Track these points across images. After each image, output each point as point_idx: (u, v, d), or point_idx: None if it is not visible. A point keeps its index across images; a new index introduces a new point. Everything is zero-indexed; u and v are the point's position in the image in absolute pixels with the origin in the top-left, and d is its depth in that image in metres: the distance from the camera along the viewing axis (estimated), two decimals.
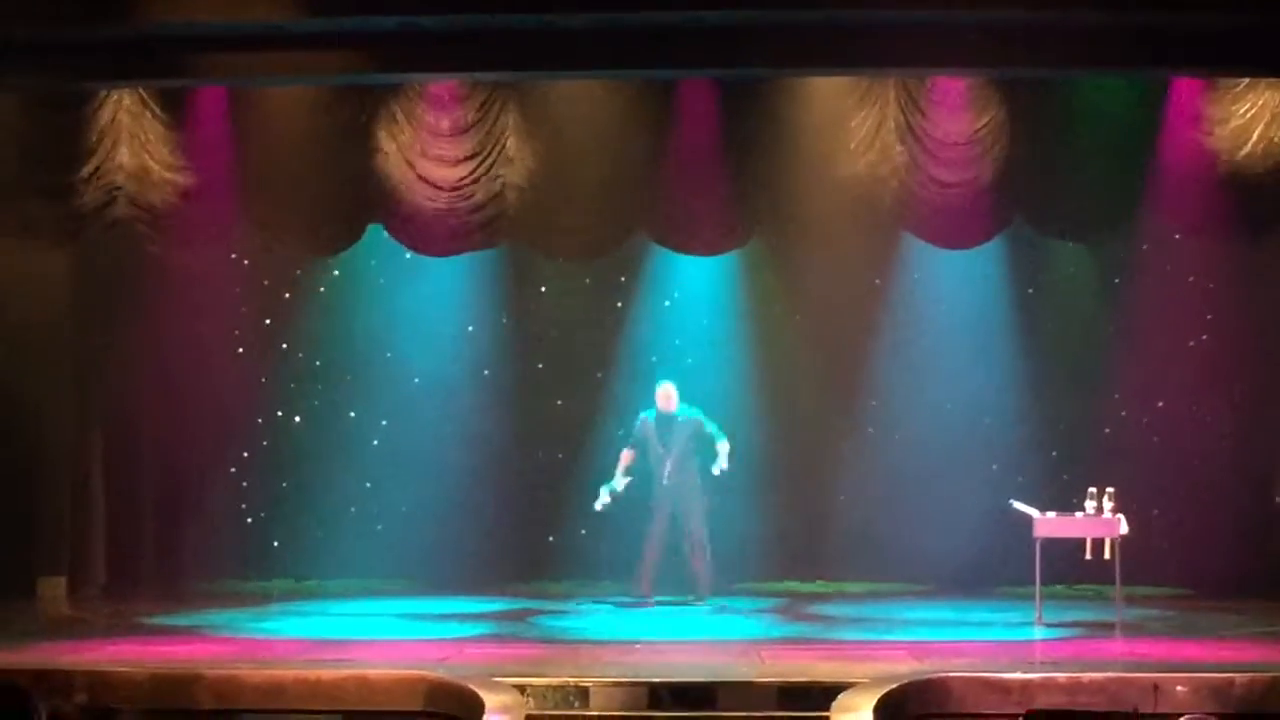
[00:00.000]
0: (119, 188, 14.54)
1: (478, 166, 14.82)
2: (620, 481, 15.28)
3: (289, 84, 14.79)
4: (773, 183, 16.05)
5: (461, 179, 14.80)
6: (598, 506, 15.26)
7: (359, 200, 14.92)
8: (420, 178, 14.79)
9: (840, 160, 15.80)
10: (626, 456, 15.37)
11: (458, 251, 15.35)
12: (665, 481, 15.24)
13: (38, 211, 14.52)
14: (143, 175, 14.59)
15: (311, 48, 13.22)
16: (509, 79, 14.61)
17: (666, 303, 16.80)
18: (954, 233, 15.29)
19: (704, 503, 15.39)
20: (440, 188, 14.80)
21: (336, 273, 16.65)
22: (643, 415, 15.38)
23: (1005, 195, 14.92)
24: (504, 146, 14.82)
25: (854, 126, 14.96)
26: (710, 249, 15.57)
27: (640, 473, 15.35)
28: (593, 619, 14.73)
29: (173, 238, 15.05)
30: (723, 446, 15.16)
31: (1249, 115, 14.50)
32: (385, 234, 15.39)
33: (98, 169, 14.42)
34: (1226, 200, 15.55)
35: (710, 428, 15.25)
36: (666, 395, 15.36)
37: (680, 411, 15.33)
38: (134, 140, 14.54)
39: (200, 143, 14.86)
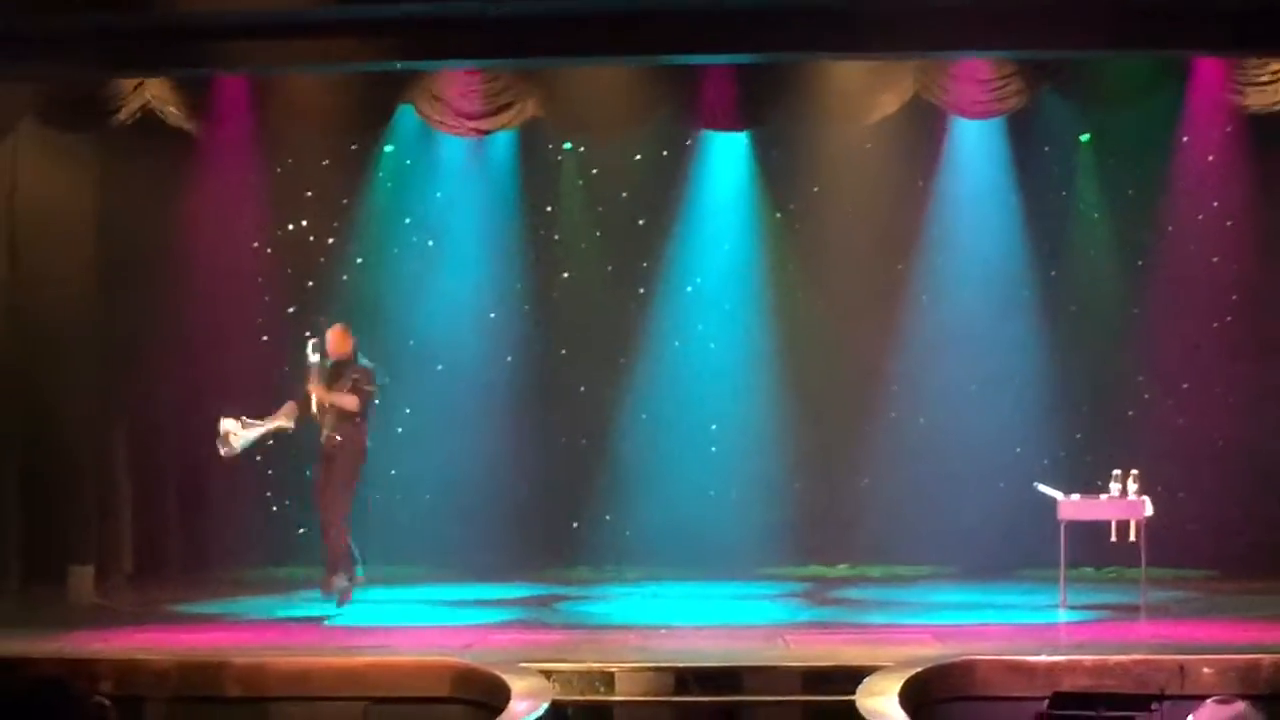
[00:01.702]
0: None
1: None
2: (252, 432, 14.03)
3: (313, 71, 14.83)
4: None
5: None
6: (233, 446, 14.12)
7: (387, 81, 14.97)
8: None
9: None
10: (290, 411, 14.09)
11: (488, 130, 15.37)
12: (322, 441, 13.94)
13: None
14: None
15: (335, 35, 13.22)
16: (533, 65, 14.63)
17: (689, 288, 16.79)
18: None
19: (357, 463, 13.98)
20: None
21: (359, 260, 16.68)
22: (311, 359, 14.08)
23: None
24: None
25: (875, 105, 14.98)
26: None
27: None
28: (618, 604, 14.75)
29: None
30: (347, 399, 13.79)
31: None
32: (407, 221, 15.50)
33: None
34: (1252, 179, 15.61)
35: (365, 383, 13.94)
36: (335, 340, 14.08)
37: (358, 359, 14.06)
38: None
39: None
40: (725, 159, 16.64)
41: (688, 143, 16.58)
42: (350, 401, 13.82)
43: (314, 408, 13.93)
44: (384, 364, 16.39)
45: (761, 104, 15.09)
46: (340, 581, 13.95)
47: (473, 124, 15.20)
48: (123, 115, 14.60)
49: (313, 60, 13.87)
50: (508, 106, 15.06)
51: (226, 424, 14.02)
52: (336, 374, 13.99)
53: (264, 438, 14.23)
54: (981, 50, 14.20)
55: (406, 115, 15.53)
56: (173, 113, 14.79)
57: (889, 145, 16.43)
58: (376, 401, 14.17)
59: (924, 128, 16.16)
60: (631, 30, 12.93)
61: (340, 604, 13.90)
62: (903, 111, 15.23)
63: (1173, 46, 13.77)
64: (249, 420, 14.09)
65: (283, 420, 14.04)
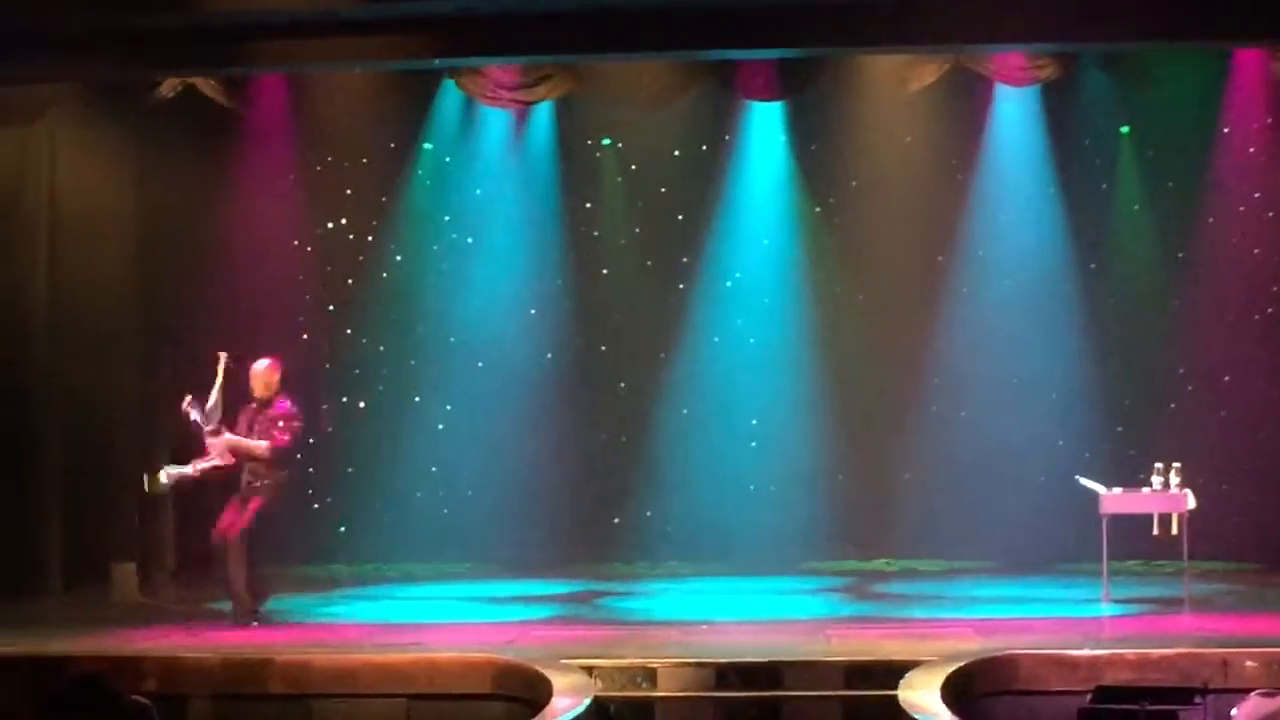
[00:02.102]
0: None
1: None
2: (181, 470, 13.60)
3: (347, 70, 14.90)
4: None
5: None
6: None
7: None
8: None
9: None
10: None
11: (528, 101, 15.49)
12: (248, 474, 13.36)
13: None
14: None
15: (370, 33, 13.23)
16: (568, 62, 14.66)
17: (728, 283, 16.80)
18: None
19: (270, 499, 13.48)
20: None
21: (399, 258, 16.73)
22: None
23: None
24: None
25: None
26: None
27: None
28: (659, 600, 14.75)
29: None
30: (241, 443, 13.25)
31: None
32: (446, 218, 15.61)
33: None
34: None
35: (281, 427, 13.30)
36: (261, 378, 13.45)
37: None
38: None
39: None
40: (764, 154, 16.64)
41: (726, 138, 16.60)
42: (253, 447, 13.26)
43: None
44: (424, 362, 16.50)
45: (799, 74, 15.06)
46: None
47: (511, 95, 15.23)
48: (164, 90, 14.64)
49: (349, 59, 13.88)
50: (547, 78, 15.07)
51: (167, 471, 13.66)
52: (259, 414, 13.41)
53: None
54: (1018, 43, 14.16)
55: (448, 100, 15.75)
56: (213, 87, 14.80)
57: (928, 139, 16.45)
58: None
59: (964, 120, 16.18)
60: (666, 25, 12.91)
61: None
62: (942, 96, 15.27)
63: (1214, 38, 13.71)
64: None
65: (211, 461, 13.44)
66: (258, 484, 13.38)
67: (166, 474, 13.62)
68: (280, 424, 13.28)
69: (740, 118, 16.53)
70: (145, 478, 13.85)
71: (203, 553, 16.20)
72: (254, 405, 13.42)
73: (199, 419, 13.31)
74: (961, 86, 15.45)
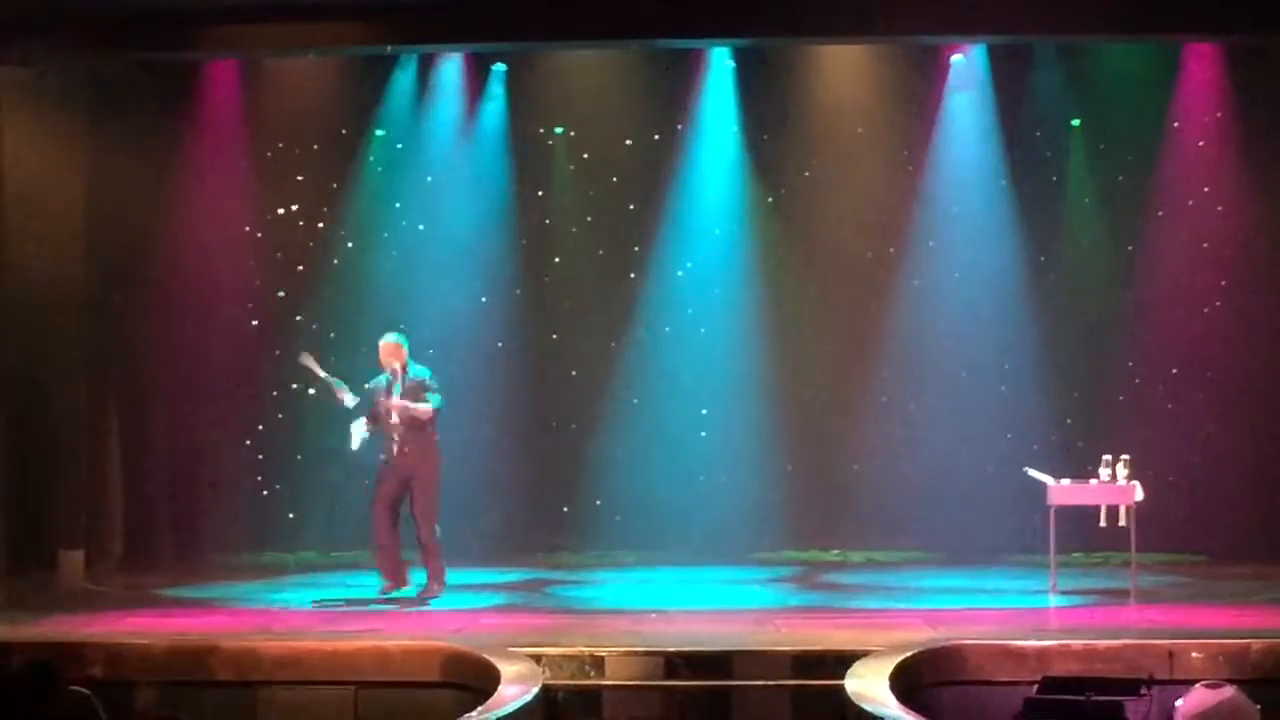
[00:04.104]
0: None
1: None
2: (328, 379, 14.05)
3: (299, 55, 14.85)
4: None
5: None
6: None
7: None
8: None
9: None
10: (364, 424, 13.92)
11: None
12: (396, 440, 13.77)
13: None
14: None
15: (322, 18, 13.21)
16: (524, 50, 14.64)
17: (679, 273, 16.78)
18: None
19: (437, 473, 13.86)
20: None
21: (350, 245, 16.67)
22: (371, 382, 14.03)
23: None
24: None
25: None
26: None
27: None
28: (608, 589, 14.75)
29: None
30: (422, 409, 13.68)
31: None
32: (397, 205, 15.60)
33: None
34: (1242, 166, 15.65)
35: (430, 383, 13.82)
36: (389, 351, 13.93)
37: (412, 371, 13.91)
38: None
39: None
40: (716, 144, 16.64)
41: (679, 127, 16.59)
42: (426, 409, 13.70)
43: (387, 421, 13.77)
44: (374, 349, 16.44)
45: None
46: (436, 585, 13.85)
47: None
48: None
49: (301, 44, 13.87)
50: None
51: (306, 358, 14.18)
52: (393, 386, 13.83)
53: (323, 383, 14.15)
54: (974, 35, 14.25)
55: (400, 87, 15.99)
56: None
57: (880, 130, 16.48)
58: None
59: (916, 112, 16.24)
60: (620, 13, 12.92)
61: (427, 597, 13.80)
62: (895, 88, 15.33)
63: (1165, 31, 13.78)
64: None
65: (345, 394, 13.96)
66: (409, 450, 13.68)
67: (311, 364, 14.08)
68: (427, 387, 13.70)
69: (693, 108, 16.54)
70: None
71: (152, 538, 16.24)
72: (383, 381, 13.80)
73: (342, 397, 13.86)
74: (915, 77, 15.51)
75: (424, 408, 13.67)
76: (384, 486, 13.82)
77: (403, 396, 13.69)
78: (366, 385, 13.95)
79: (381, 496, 13.82)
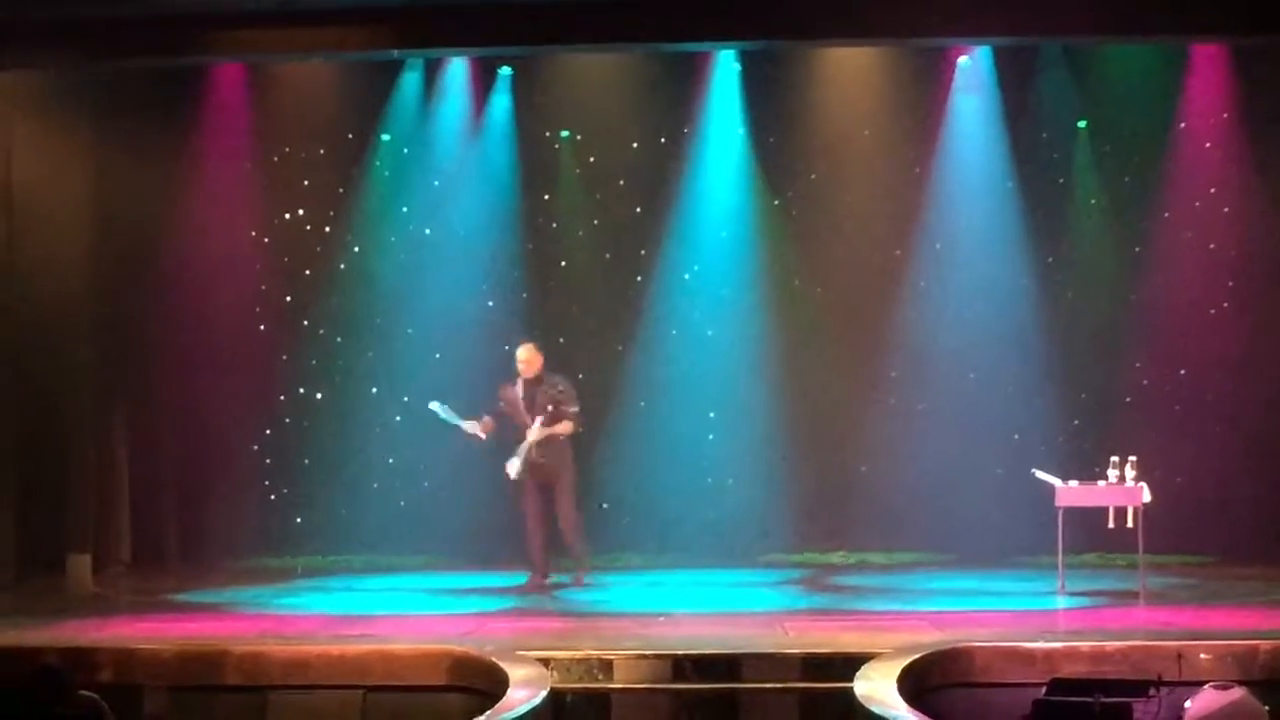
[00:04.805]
0: None
1: None
2: (454, 418, 14.65)
3: (306, 60, 14.86)
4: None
5: None
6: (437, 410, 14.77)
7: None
8: None
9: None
10: (487, 426, 14.63)
11: None
12: (534, 454, 14.49)
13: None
14: None
15: (328, 23, 13.21)
16: (531, 53, 14.65)
17: (686, 276, 16.81)
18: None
19: (574, 474, 14.66)
20: None
21: (356, 249, 16.69)
22: (504, 385, 14.74)
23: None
24: None
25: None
26: None
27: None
28: (616, 592, 14.75)
29: None
30: (563, 427, 14.45)
31: None
32: (404, 209, 15.63)
33: None
34: (1248, 166, 15.65)
35: (568, 405, 14.53)
36: (528, 360, 14.63)
37: (549, 380, 14.57)
38: None
39: None
40: (723, 146, 16.66)
41: (685, 130, 16.61)
42: (566, 428, 14.46)
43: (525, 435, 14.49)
44: (382, 353, 16.47)
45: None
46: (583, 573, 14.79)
47: None
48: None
49: (307, 49, 13.88)
50: None
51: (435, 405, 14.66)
52: (529, 394, 14.48)
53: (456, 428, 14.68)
54: (980, 36, 14.24)
55: (406, 92, 16.03)
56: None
57: (886, 133, 16.49)
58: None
59: (922, 115, 16.27)
60: (624, 16, 12.91)
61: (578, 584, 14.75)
62: (901, 91, 15.33)
63: (1171, 33, 13.78)
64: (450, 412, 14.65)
65: (478, 430, 14.56)
66: (544, 461, 14.45)
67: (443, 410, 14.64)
68: (563, 397, 14.41)
69: (699, 111, 16.55)
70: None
71: (160, 543, 16.25)
72: (516, 385, 14.52)
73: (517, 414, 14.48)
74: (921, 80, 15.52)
75: (565, 427, 14.43)
76: (528, 500, 14.63)
77: (537, 404, 14.33)
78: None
79: (530, 511, 14.65)
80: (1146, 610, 13.20)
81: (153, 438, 16.33)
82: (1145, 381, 16.39)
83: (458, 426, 14.56)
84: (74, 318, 15.63)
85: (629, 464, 16.45)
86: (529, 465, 14.44)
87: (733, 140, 16.64)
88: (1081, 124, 16.39)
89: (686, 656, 11.02)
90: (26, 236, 15.21)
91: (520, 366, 14.57)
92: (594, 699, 10.80)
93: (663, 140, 16.71)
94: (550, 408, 14.42)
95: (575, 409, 14.52)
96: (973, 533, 15.78)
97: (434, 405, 14.60)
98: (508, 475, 14.52)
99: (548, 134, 16.84)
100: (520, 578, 15.09)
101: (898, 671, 10.17)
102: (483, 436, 14.60)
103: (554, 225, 16.97)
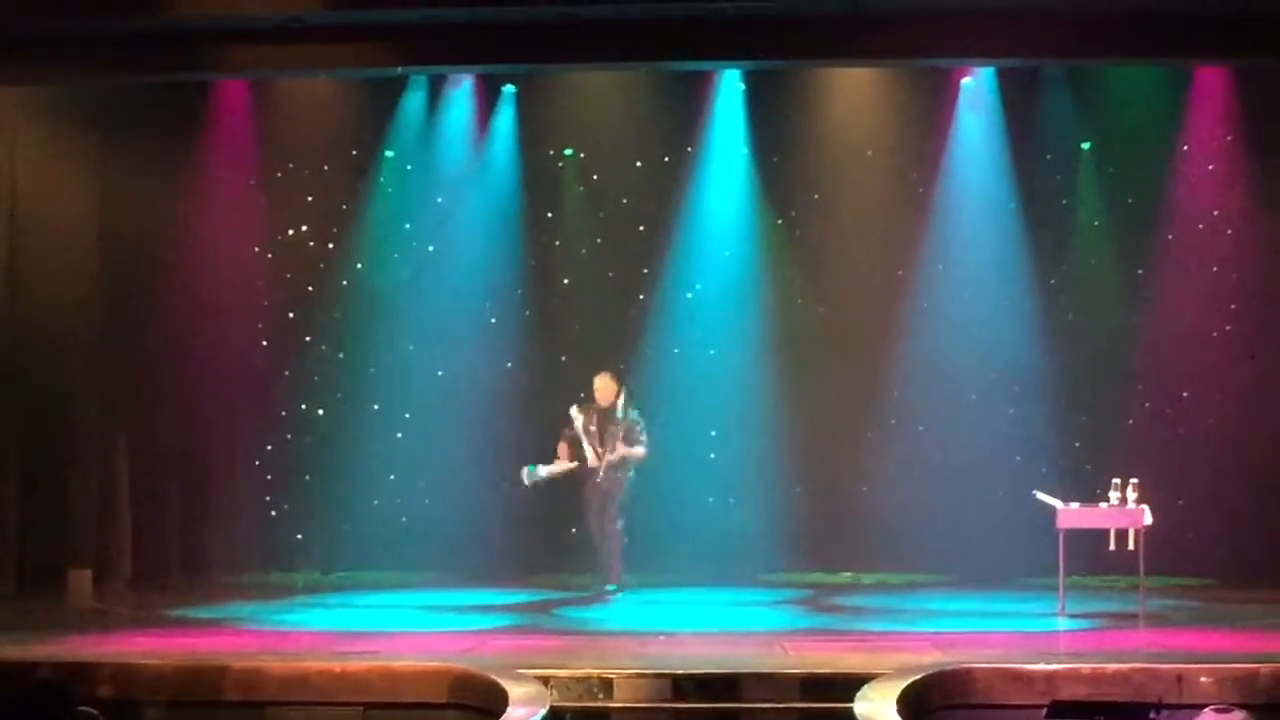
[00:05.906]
0: None
1: None
2: (551, 470, 15.30)
3: (311, 77, 14.89)
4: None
5: None
6: (527, 482, 15.37)
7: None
8: None
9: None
10: (563, 451, 15.30)
11: None
12: (599, 479, 15.12)
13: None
14: None
15: (334, 40, 13.23)
16: (533, 71, 14.67)
17: (689, 295, 16.81)
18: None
19: (624, 498, 15.22)
20: None
21: (359, 266, 16.70)
22: (573, 408, 15.30)
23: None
24: None
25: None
26: None
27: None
28: (616, 610, 14.74)
29: None
30: (638, 450, 15.12)
31: None
32: (407, 226, 15.70)
33: None
34: (1251, 189, 15.66)
35: (639, 434, 15.14)
36: (603, 388, 15.22)
37: (622, 410, 15.12)
38: None
39: None
40: (726, 165, 16.67)
41: (688, 149, 16.63)
42: (639, 453, 15.14)
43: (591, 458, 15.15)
44: (383, 370, 16.47)
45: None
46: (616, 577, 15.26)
47: None
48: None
49: (313, 66, 13.90)
50: None
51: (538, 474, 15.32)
52: (601, 421, 15.13)
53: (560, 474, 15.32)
54: (985, 58, 14.26)
55: (410, 109, 16.09)
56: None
57: (890, 153, 16.50)
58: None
59: (926, 135, 16.28)
60: (627, 36, 12.93)
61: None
62: (904, 111, 15.34)
63: (1174, 55, 13.79)
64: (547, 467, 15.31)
65: (567, 463, 15.24)
66: (605, 475, 15.10)
67: (532, 474, 15.33)
68: (637, 428, 15.04)
69: (703, 129, 16.57)
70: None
71: (160, 558, 16.24)
72: (587, 410, 15.15)
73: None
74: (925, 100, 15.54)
75: (639, 452, 15.06)
76: (591, 517, 15.23)
77: (608, 430, 14.96)
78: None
79: (595, 527, 15.20)
80: (1147, 632, 13.18)
81: (154, 453, 16.32)
82: (1147, 403, 16.39)
83: (561, 473, 15.22)
84: (76, 332, 15.65)
85: (630, 482, 16.40)
86: (592, 481, 15.07)
87: (736, 159, 16.66)
88: (1085, 145, 16.41)
89: (686, 676, 11.01)
90: (30, 250, 15.24)
91: (596, 394, 15.14)
92: (593, 717, 10.79)
93: (666, 159, 16.73)
94: (622, 435, 15.00)
95: (644, 438, 15.07)
96: (973, 554, 15.77)
97: (527, 477, 15.28)
98: (523, 480, 15.12)
99: (551, 152, 16.86)
100: (518, 596, 15.10)
101: (897, 692, 10.15)
102: (574, 466, 15.16)
103: (557, 243, 16.98)
